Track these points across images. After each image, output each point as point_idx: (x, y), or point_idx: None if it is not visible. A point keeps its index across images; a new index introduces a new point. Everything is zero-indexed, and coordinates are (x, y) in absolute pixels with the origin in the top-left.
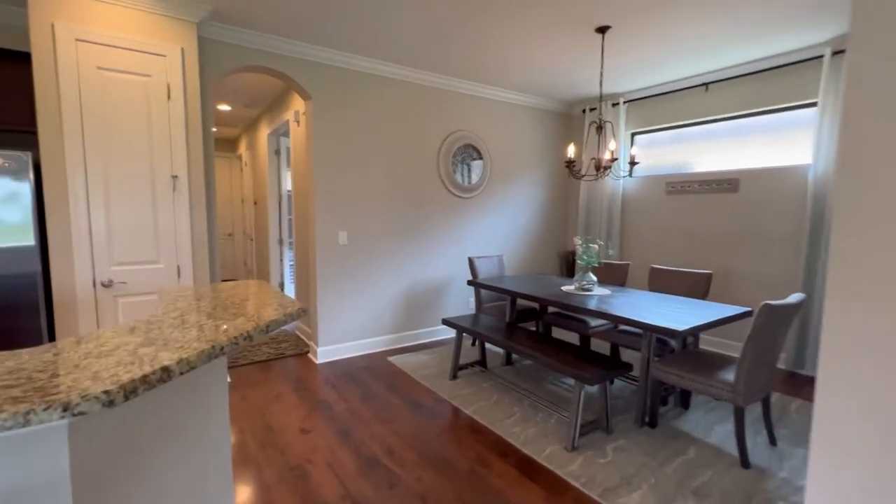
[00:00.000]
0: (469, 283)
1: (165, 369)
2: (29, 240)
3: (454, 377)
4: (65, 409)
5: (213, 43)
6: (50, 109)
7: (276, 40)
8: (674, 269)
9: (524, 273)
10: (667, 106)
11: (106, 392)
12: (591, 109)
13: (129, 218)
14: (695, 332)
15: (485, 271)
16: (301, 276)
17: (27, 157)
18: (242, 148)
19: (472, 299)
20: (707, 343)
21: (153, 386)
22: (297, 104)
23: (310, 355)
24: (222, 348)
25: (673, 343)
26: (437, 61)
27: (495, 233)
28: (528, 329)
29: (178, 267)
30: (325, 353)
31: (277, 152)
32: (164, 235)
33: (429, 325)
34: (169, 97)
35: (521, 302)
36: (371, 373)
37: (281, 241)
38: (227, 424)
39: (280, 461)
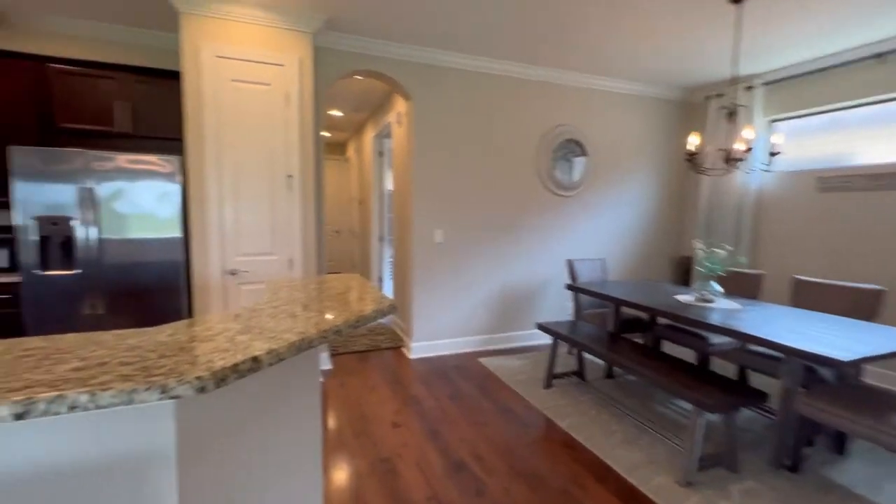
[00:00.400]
0: (568, 287)
1: (255, 359)
2: (177, 232)
3: (548, 386)
4: (162, 391)
5: (325, 51)
6: (194, 119)
7: (380, 44)
8: (829, 282)
9: (630, 279)
10: (818, 86)
11: (199, 378)
12: (718, 95)
13: (251, 214)
14: (863, 362)
15: (585, 275)
16: (398, 272)
17: (177, 160)
18: (351, 151)
19: (571, 304)
20: (871, 376)
21: (243, 375)
22: (400, 106)
23: (403, 350)
24: (311, 342)
25: (825, 373)
26: (540, 53)
27: (598, 234)
28: (633, 341)
29: (291, 259)
30: (418, 348)
31: (381, 153)
32: (279, 230)
33: (522, 329)
34: (287, 103)
35: (625, 310)
36: (462, 373)
37: (381, 238)
38: (319, 411)
39: (372, 452)
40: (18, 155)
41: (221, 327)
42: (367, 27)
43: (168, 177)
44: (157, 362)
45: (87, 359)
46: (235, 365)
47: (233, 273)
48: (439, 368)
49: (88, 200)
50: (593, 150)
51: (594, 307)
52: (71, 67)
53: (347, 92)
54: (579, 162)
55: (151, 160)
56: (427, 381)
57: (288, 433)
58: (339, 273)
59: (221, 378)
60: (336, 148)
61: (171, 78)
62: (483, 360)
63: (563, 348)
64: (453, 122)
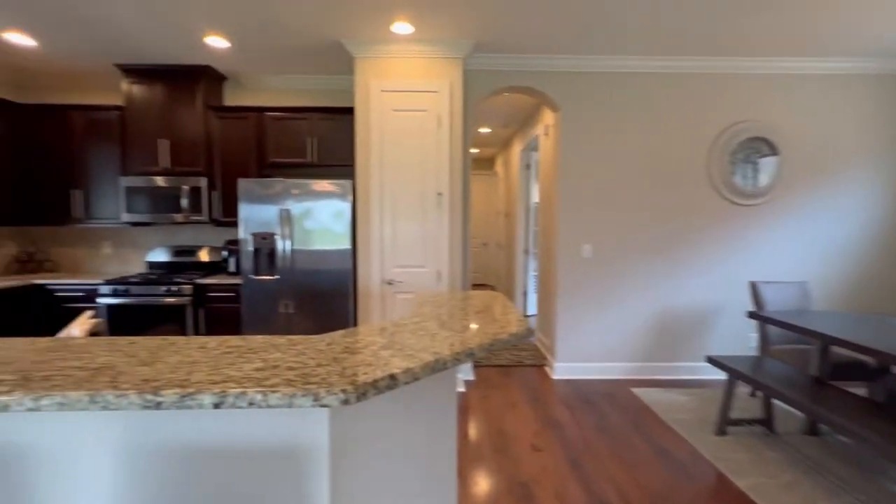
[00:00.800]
0: (751, 315)
1: (393, 377)
2: (347, 244)
3: (721, 432)
4: (315, 399)
5: (473, 73)
6: (363, 146)
7: (527, 59)
8: None
9: (842, 309)
10: None
11: (343, 391)
12: None
13: (405, 229)
14: None
15: (775, 302)
16: (542, 287)
17: (349, 183)
18: (499, 165)
19: (754, 336)
20: None
21: (381, 391)
22: (547, 118)
23: (547, 369)
24: (445, 363)
25: None
26: (715, 41)
27: (793, 251)
28: (851, 392)
29: (439, 271)
30: (562, 369)
31: (528, 166)
32: (429, 244)
33: (686, 360)
34: (439, 126)
35: (838, 351)
36: (611, 401)
37: (526, 252)
38: (454, 426)
39: (510, 472)
40: (243, 184)
41: (368, 340)
42: (513, 44)
43: (342, 197)
44: (314, 370)
45: (266, 360)
46: (375, 381)
47: (390, 283)
48: (585, 393)
49: (286, 219)
50: (787, 147)
51: (787, 342)
52: (278, 114)
53: (495, 109)
54: (768, 163)
55: (330, 184)
56: (571, 405)
57: (425, 445)
58: (484, 286)
59: (362, 392)
60: (484, 163)
61: (346, 113)
62: (636, 391)
63: (743, 388)
64: (604, 130)
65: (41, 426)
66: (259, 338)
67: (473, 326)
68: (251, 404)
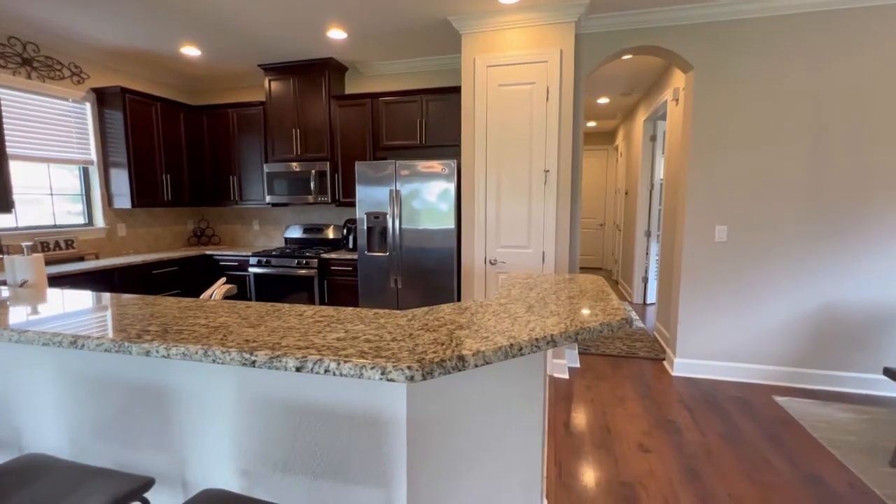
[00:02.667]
0: None
1: (462, 358)
2: (451, 224)
3: None
4: (382, 373)
5: (587, 37)
6: (468, 124)
7: (651, 13)
8: None
9: None
10: None
11: (409, 367)
12: None
13: (510, 208)
14: None
15: None
16: (664, 273)
17: (454, 163)
18: (619, 138)
19: None
20: None
21: (448, 371)
22: (677, 80)
23: (665, 363)
24: (521, 348)
25: None
26: None
27: None
28: None
29: (543, 253)
30: (683, 365)
31: (653, 138)
32: (535, 224)
33: (855, 369)
34: (547, 98)
35: None
36: (744, 408)
37: (648, 234)
38: (541, 415)
39: (611, 471)
40: (359, 167)
41: (448, 319)
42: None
43: (447, 177)
44: (388, 344)
45: (349, 332)
46: (442, 360)
47: (493, 263)
48: (710, 395)
49: (395, 199)
50: None
51: None
52: (390, 98)
53: (615, 75)
54: None
55: (437, 164)
56: (691, 406)
57: (507, 429)
58: (598, 270)
59: (428, 371)
60: (603, 137)
61: (454, 92)
62: (780, 400)
63: None
64: (749, 88)
65: (182, 369)
66: (348, 309)
67: (560, 312)
68: (326, 371)
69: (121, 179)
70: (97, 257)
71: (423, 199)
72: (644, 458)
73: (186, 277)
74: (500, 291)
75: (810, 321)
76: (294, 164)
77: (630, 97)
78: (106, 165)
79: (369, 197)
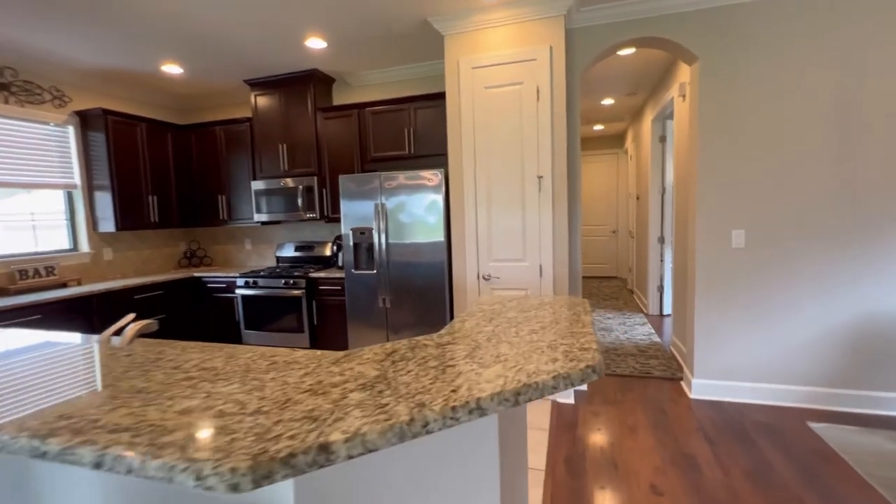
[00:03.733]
0: None
1: (325, 448)
2: (440, 236)
3: None
4: (197, 479)
5: (579, 31)
6: (454, 130)
7: (646, 2)
8: None
9: None
10: None
11: (232, 470)
12: None
13: (502, 219)
14: None
15: None
16: (679, 282)
17: (441, 173)
18: (629, 140)
19: None
20: None
21: (303, 470)
22: (683, 74)
23: (682, 384)
24: (426, 424)
25: None
26: None
27: None
28: None
29: (540, 266)
30: (702, 387)
31: (662, 138)
32: (530, 235)
33: None
34: (538, 98)
35: None
36: (773, 437)
37: (661, 240)
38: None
39: None
40: (344, 181)
41: (357, 371)
42: None
43: (435, 188)
44: (240, 423)
45: (210, 395)
46: (291, 456)
47: (486, 278)
48: (734, 421)
49: (380, 213)
50: None
51: None
52: (376, 108)
53: (615, 75)
54: None
55: (423, 175)
56: (712, 436)
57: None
58: (613, 279)
59: (264, 474)
60: (612, 140)
61: (441, 98)
62: (816, 427)
63: None
64: (762, 78)
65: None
66: (249, 353)
67: (509, 357)
68: (131, 471)
69: (105, 203)
70: (79, 283)
71: (409, 212)
72: (656, 502)
73: (172, 301)
74: (455, 323)
75: (846, 334)
76: (281, 180)
77: (636, 97)
78: (91, 189)
79: (354, 212)
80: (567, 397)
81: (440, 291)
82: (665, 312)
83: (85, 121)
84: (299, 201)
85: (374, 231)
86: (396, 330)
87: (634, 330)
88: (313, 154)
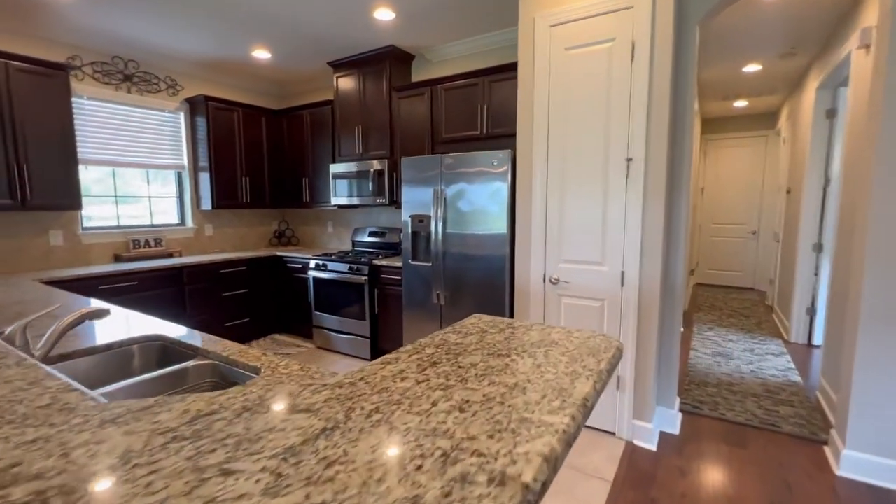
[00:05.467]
0: None
1: None
2: (503, 228)
3: None
4: None
5: None
6: (525, 104)
7: None
8: None
9: None
10: None
11: None
12: None
13: (578, 212)
14: None
15: None
16: (837, 305)
17: (507, 155)
18: (783, 119)
19: None
20: None
21: None
22: (868, 17)
23: (826, 450)
24: None
25: None
26: None
27: None
28: None
29: (623, 273)
30: (857, 462)
31: (830, 112)
32: (611, 233)
33: None
34: (632, 58)
35: None
36: None
37: (818, 248)
38: None
39: None
40: (406, 164)
41: (227, 431)
42: None
43: (497, 172)
44: None
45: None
46: None
47: (553, 282)
48: None
49: (439, 200)
50: None
51: None
52: (449, 84)
53: (763, 27)
54: None
55: (486, 157)
56: None
57: None
58: (749, 290)
59: None
60: (760, 120)
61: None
62: None
63: None
64: None
65: None
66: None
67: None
68: None
69: (205, 182)
70: (181, 255)
71: (469, 199)
72: None
73: (255, 278)
74: (368, 367)
75: None
76: (356, 163)
77: (794, 59)
78: (195, 170)
79: (414, 198)
80: (646, 440)
81: (499, 292)
82: (814, 343)
83: (192, 107)
84: (370, 185)
85: (431, 219)
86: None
87: (765, 361)
88: (386, 136)
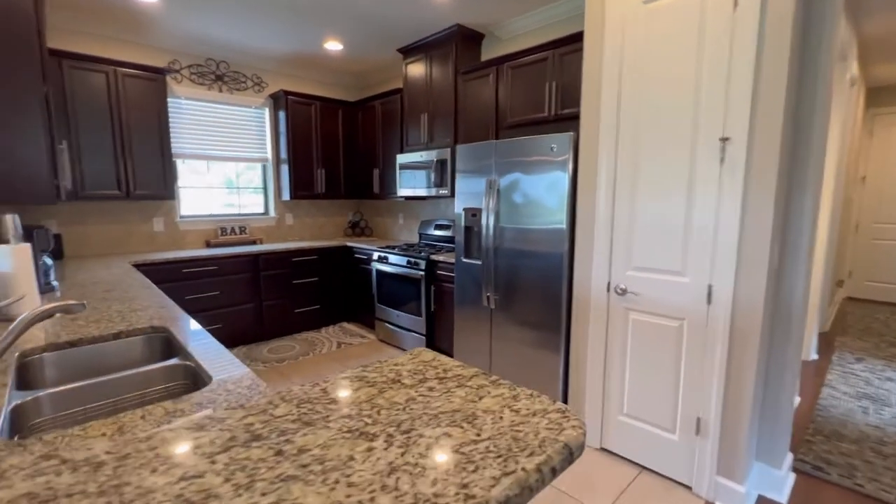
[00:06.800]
0: None
1: None
2: (561, 223)
3: None
4: None
5: None
6: (591, 77)
7: None
8: None
9: None
10: None
11: None
12: None
13: (653, 207)
14: None
15: None
16: None
17: (566, 139)
18: None
19: None
20: None
21: None
22: None
23: None
24: None
25: None
26: None
27: None
28: None
29: (710, 287)
30: None
31: None
32: (697, 235)
33: None
34: (735, 4)
35: None
36: None
37: None
38: None
39: None
40: (460, 153)
41: None
42: None
43: (559, 164)
44: None
45: None
46: None
47: (620, 292)
48: None
49: (492, 191)
50: None
51: None
52: (517, 60)
53: None
54: None
55: (544, 142)
56: None
57: None
58: None
59: None
60: None
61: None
62: None
63: None
64: None
65: None
66: None
67: None
68: None
69: (284, 174)
70: (262, 242)
71: (524, 191)
72: None
73: (326, 267)
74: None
75: None
76: (421, 153)
77: None
78: (277, 162)
79: (468, 189)
80: None
81: (555, 297)
82: None
83: (275, 102)
84: (432, 176)
85: (482, 212)
86: (501, 340)
87: None
88: (451, 123)
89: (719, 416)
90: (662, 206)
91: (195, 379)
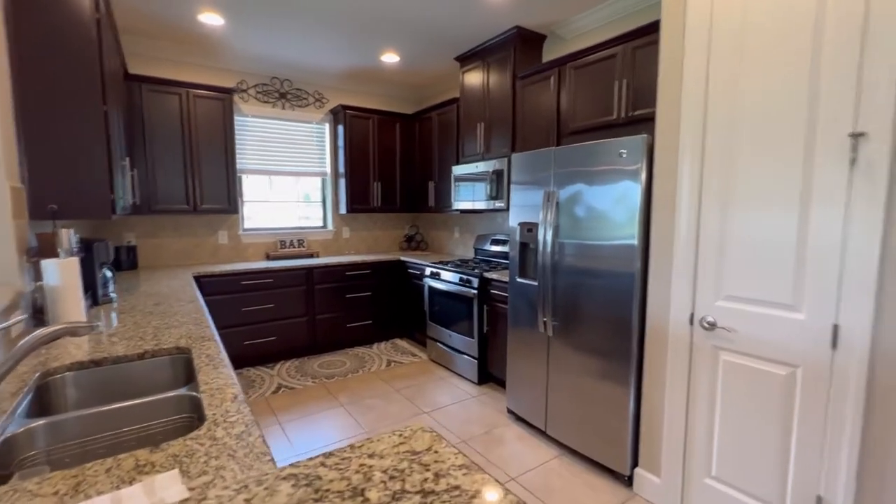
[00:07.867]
0: None
1: None
2: (632, 238)
3: None
4: None
5: None
6: (670, 69)
7: None
8: None
9: None
10: None
11: None
12: None
13: (752, 222)
14: None
15: None
16: None
17: (638, 142)
18: None
19: None
20: None
21: None
22: None
23: None
24: None
25: None
26: None
27: None
28: None
29: (836, 327)
30: None
31: None
32: (816, 260)
33: None
34: None
35: None
36: None
37: None
38: None
39: None
40: (515, 162)
41: None
42: None
43: (631, 173)
44: None
45: None
46: None
47: (708, 326)
48: None
49: (550, 204)
50: None
51: None
52: (581, 59)
53: None
54: None
55: (612, 147)
56: None
57: None
58: None
59: None
60: None
61: None
62: None
63: None
64: None
65: None
66: None
67: None
68: None
69: (342, 188)
70: (318, 255)
71: (587, 203)
72: None
73: (379, 281)
74: None
75: None
76: (477, 164)
77: None
78: (336, 176)
79: (524, 201)
80: None
81: (624, 325)
82: None
83: (334, 117)
84: (487, 188)
85: (539, 227)
86: (559, 371)
87: None
88: (508, 132)
89: (851, 499)
90: (765, 221)
91: (200, 412)
